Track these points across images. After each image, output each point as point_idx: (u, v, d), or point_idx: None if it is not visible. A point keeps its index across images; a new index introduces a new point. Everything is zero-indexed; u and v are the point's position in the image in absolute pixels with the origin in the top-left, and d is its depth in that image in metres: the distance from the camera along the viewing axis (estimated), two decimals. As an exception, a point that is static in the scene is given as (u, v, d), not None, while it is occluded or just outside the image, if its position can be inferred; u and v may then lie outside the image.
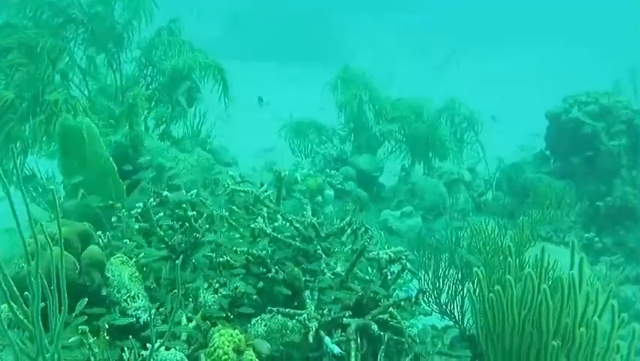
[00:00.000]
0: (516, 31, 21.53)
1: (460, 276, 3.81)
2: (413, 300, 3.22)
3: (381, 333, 2.78)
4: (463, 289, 3.72)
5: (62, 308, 1.80)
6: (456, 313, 3.73)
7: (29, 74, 4.82)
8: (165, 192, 3.36)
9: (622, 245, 7.11)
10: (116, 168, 3.85)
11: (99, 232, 3.08)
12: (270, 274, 2.79)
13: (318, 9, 21.42)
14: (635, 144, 7.65)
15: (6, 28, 5.01)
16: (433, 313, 3.80)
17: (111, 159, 3.84)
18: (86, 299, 2.18)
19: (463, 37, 20.53)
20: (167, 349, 2.15)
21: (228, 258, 2.94)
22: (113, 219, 3.21)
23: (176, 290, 2.75)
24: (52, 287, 1.86)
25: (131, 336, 2.29)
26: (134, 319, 2.48)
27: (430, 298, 3.81)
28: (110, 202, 3.31)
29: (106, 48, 5.55)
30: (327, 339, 2.60)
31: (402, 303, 3.04)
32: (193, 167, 4.46)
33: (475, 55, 19.76)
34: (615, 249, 7.09)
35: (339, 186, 6.40)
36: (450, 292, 3.76)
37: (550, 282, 2.65)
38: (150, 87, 5.71)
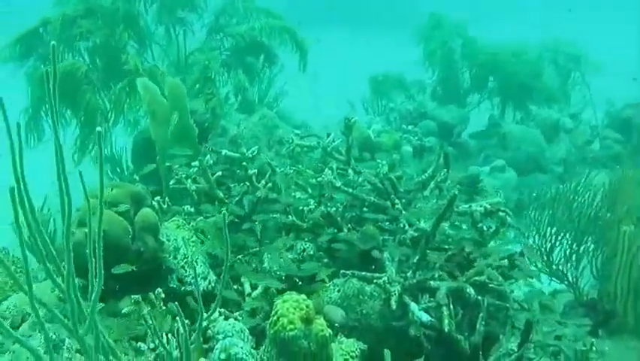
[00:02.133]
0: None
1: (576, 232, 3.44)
2: (516, 259, 2.91)
3: (479, 298, 2.49)
4: (579, 246, 3.37)
5: (98, 277, 1.66)
6: (569, 276, 3.39)
7: (103, 40, 4.79)
8: (224, 151, 3.20)
9: None
10: (196, 132, 3.77)
11: (158, 198, 2.97)
12: (341, 234, 2.56)
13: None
14: None
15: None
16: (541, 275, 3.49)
17: (193, 122, 3.77)
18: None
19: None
20: (226, 319, 1.99)
21: (294, 218, 2.74)
22: (171, 182, 3.10)
23: (240, 256, 2.61)
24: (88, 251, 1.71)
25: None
26: (193, 287, 2.34)
27: (536, 258, 3.48)
28: (167, 164, 3.18)
29: (176, 15, 5.49)
30: (413, 305, 2.36)
31: (503, 263, 2.73)
32: (255, 125, 4.28)
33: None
34: None
35: (419, 142, 6.01)
36: (564, 250, 3.42)
37: None
38: (222, 54, 5.62)
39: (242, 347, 1.79)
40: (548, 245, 3.56)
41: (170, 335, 1.67)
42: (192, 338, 1.63)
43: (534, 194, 3.86)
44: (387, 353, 2.13)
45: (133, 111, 4.90)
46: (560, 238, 3.45)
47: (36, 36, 4.78)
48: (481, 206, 2.88)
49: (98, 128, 1.52)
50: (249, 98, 5.75)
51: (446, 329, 2.32)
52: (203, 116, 4.36)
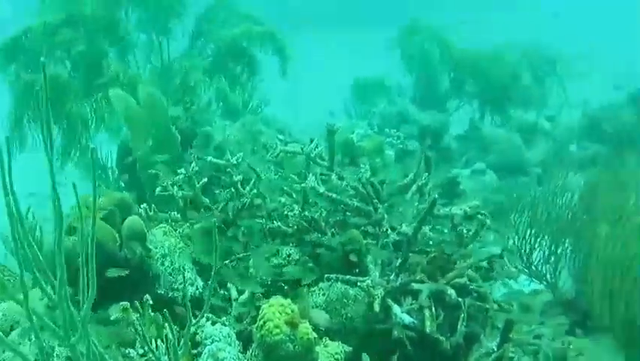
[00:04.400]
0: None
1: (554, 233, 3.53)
2: (496, 260, 2.98)
3: (460, 299, 2.54)
4: (557, 247, 3.45)
5: (90, 286, 1.68)
6: (548, 276, 3.46)
7: (85, 50, 4.79)
8: (209, 157, 3.23)
9: None
10: (178, 139, 3.81)
11: (144, 205, 2.99)
12: (325, 238, 2.61)
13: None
14: None
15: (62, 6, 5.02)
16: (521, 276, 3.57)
17: (174, 129, 3.81)
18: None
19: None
20: (213, 324, 2.03)
21: (279, 223, 2.78)
22: (157, 190, 3.12)
23: (226, 261, 2.64)
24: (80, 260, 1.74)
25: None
26: (180, 293, 2.38)
27: (516, 259, 3.55)
28: (154, 172, 3.20)
29: (159, 22, 5.53)
30: (395, 308, 2.41)
31: (482, 264, 2.80)
32: (239, 131, 4.32)
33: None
34: None
35: (401, 146, 6.10)
36: (543, 251, 3.49)
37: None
38: (205, 60, 5.67)
39: (229, 352, 1.83)
40: (528, 247, 3.63)
41: (158, 341, 1.70)
42: (181, 343, 1.66)
43: (514, 196, 3.94)
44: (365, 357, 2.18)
45: (114, 120, 4.92)
46: (538, 239, 3.51)
47: (19, 44, 4.77)
48: (460, 209, 2.94)
49: (92, 146, 1.55)
50: (232, 104, 5.80)
51: (428, 331, 2.37)
52: (184, 124, 4.40)
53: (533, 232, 3.49)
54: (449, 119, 7.21)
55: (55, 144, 4.57)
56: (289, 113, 8.51)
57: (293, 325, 1.87)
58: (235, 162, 3.23)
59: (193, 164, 2.97)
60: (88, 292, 1.64)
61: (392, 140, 6.10)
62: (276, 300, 1.89)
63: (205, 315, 1.89)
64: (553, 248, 3.45)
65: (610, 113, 7.37)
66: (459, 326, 2.53)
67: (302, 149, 3.19)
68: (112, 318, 2.02)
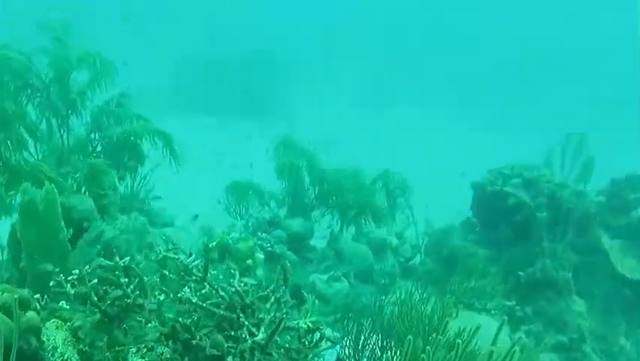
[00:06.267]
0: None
1: (381, 343, 4.20)
2: (330, 365, 3.60)
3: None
4: (383, 356, 4.11)
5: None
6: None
7: None
8: (100, 259, 3.63)
9: (542, 315, 7.60)
10: (65, 233, 4.15)
11: (37, 295, 3.31)
12: (194, 341, 3.09)
13: (263, 63, 22.65)
14: (556, 217, 8.30)
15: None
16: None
17: (63, 225, 4.15)
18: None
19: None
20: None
21: (156, 323, 3.23)
22: (51, 284, 3.45)
23: (108, 353, 3.04)
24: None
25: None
26: (67, 382, 2.73)
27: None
28: (50, 268, 3.55)
29: (58, 112, 5.94)
30: (245, 402, 2.91)
31: (319, 368, 3.40)
32: (128, 229, 4.74)
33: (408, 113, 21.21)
34: (535, 318, 7.57)
35: (270, 249, 6.75)
36: (370, 358, 4.14)
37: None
38: (97, 151, 6.11)
39: None
40: (360, 351, 4.27)
41: None
42: None
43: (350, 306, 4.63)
44: None
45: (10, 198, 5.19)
46: (367, 347, 4.18)
47: None
48: (305, 323, 3.57)
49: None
50: (121, 195, 6.18)
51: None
52: (89, 214, 4.77)
53: (362, 341, 4.15)
54: (314, 227, 7.97)
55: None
56: (177, 204, 8.94)
57: (161, 415, 2.33)
58: (122, 264, 3.66)
59: (87, 266, 3.36)
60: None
61: (263, 243, 6.73)
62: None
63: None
64: (378, 353, 4.11)
65: (445, 236, 8.58)
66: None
67: (181, 260, 3.70)
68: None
